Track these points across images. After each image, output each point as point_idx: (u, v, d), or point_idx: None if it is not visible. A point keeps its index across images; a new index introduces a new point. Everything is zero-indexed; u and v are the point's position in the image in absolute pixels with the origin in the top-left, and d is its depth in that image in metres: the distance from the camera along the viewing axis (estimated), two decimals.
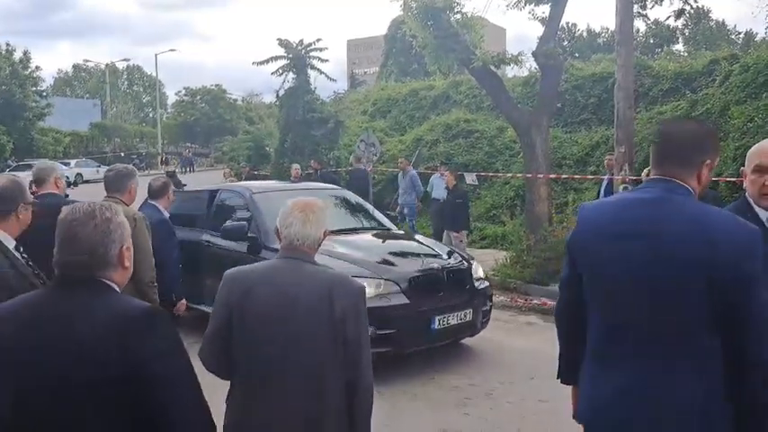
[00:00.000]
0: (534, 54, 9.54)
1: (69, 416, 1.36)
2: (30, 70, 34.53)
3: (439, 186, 10.98)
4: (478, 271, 5.70)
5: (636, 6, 9.38)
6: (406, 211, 11.41)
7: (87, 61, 59.13)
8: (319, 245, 2.11)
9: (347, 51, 73.44)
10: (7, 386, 1.39)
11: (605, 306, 1.70)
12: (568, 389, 1.96)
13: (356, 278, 4.53)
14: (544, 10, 9.74)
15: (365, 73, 53.91)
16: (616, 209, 1.76)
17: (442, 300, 5.09)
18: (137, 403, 1.36)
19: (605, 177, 9.22)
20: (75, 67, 73.68)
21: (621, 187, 8.33)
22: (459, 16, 9.98)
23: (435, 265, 5.36)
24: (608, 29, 50.54)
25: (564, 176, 10.94)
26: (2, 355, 1.41)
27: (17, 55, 34.12)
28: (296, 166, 13.24)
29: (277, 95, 17.69)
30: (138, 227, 3.43)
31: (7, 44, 34.10)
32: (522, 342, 5.58)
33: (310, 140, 16.50)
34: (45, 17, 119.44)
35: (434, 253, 5.70)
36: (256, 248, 5.51)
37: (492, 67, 9.71)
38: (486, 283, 5.76)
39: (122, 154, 40.77)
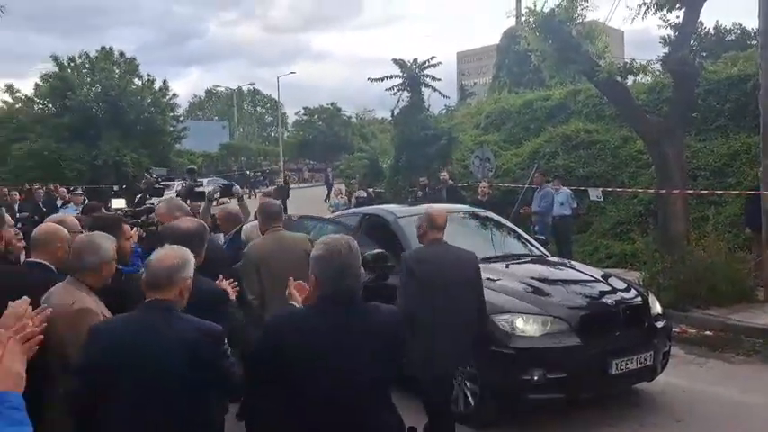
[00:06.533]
0: (666, 61, 8.90)
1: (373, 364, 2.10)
2: (168, 97, 38.01)
3: (559, 203, 10.58)
4: (656, 306, 5.17)
5: None
6: (536, 228, 10.57)
7: (217, 86, 64.27)
8: None
9: (457, 63, 73.27)
10: (320, 372, 2.05)
11: None
12: None
13: (520, 314, 4.55)
14: (678, 14, 9.06)
15: (474, 84, 53.40)
16: None
17: (619, 340, 4.63)
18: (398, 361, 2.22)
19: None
20: (208, 92, 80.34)
21: None
22: (580, 26, 9.58)
23: (609, 301, 4.86)
24: (740, 24, 46.11)
25: (703, 191, 10.04)
26: (306, 346, 2.05)
27: (157, 84, 37.73)
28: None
29: (392, 114, 17.98)
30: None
31: (148, 75, 37.73)
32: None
33: (424, 158, 16.58)
34: (178, 46, 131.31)
35: (605, 285, 5.18)
36: (384, 276, 4.98)
37: (618, 78, 9.20)
38: (666, 321, 5.23)
39: (248, 172, 43.53)
